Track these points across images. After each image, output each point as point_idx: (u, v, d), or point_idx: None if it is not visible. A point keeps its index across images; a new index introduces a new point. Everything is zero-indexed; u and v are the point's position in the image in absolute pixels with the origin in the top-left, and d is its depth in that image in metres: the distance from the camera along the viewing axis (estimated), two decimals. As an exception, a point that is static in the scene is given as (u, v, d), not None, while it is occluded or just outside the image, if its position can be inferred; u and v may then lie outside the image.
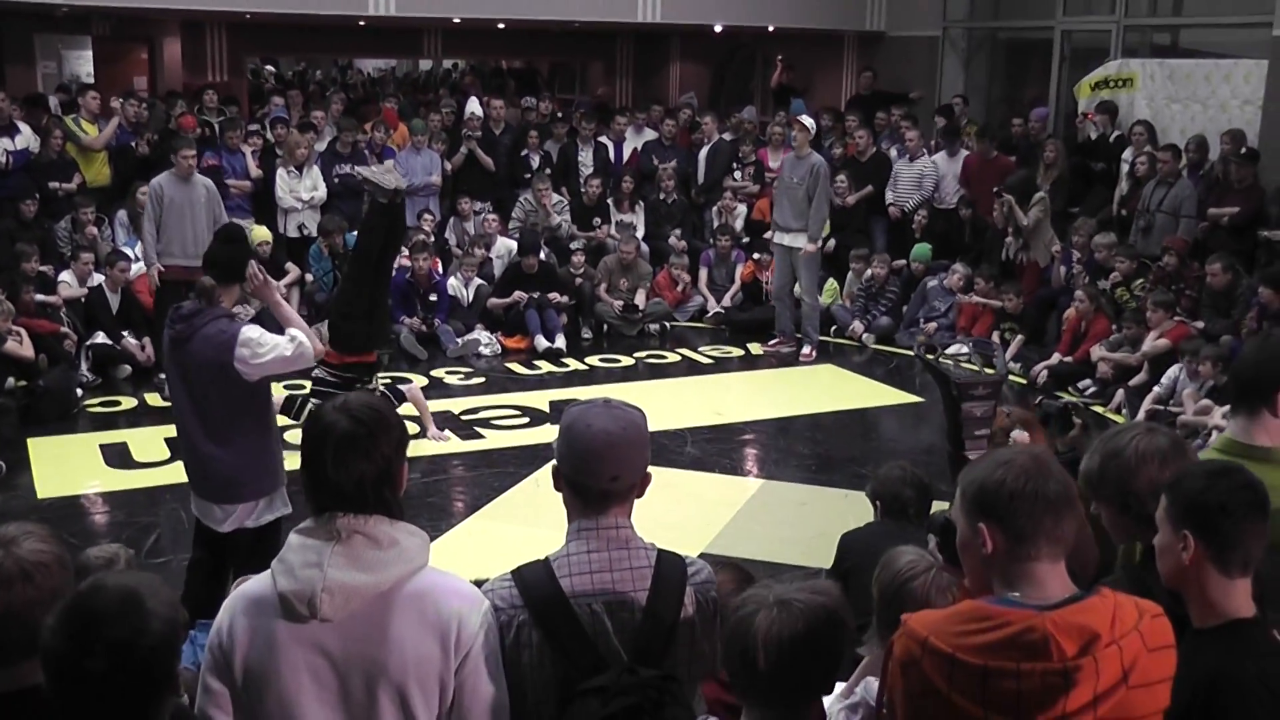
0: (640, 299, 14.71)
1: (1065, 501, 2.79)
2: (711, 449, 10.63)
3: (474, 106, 16.76)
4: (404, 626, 3.01)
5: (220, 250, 6.67)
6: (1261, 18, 13.76)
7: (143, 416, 11.31)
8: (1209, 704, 2.93)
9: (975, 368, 12.60)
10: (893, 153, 15.97)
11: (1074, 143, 15.33)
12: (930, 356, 3.60)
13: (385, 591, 3.00)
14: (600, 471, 3.21)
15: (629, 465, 3.25)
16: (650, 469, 3.32)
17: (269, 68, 28.37)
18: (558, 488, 3.33)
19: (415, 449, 10.35)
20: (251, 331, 6.18)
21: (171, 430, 10.49)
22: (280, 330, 6.30)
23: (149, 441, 10.47)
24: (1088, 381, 12.27)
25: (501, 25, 19.48)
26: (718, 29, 19.42)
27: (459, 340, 13.58)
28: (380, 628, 3.00)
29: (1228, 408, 9.96)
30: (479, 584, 3.28)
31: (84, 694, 2.54)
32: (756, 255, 14.97)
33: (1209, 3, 16.20)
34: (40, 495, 9.23)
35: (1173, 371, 11.32)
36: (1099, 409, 11.79)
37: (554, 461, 3.33)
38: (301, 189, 14.52)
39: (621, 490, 3.26)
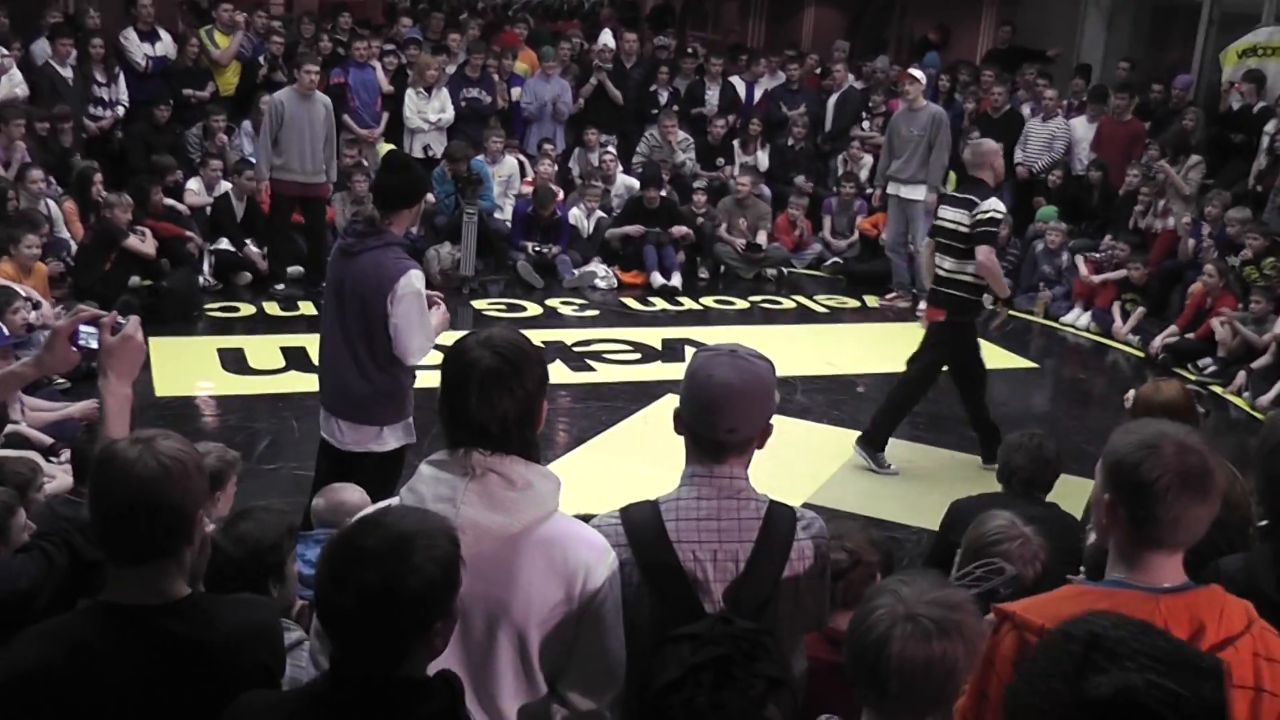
0: (762, 239, 14.61)
1: (1202, 497, 2.69)
2: (821, 399, 10.56)
3: (607, 38, 16.69)
4: (531, 571, 3.00)
5: (385, 179, 6.31)
6: None
7: (260, 324, 11.49)
8: None
9: (1094, 337, 12.46)
10: (1026, 111, 15.66)
11: (1214, 113, 14.94)
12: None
13: (515, 534, 3.00)
14: (717, 423, 3.19)
15: (747, 418, 3.22)
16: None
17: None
18: (678, 431, 3.29)
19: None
20: (418, 283, 5.94)
21: (287, 340, 10.78)
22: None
23: (265, 349, 10.64)
24: (1208, 360, 11.97)
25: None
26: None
27: (575, 271, 13.60)
28: (507, 570, 3.00)
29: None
30: (584, 518, 3.28)
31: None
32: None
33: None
34: (158, 393, 9.38)
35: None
36: (1218, 389, 11.51)
37: (677, 404, 3.30)
38: (429, 110, 14.58)
39: (738, 442, 3.23)
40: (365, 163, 13.68)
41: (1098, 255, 13.65)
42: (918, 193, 13.20)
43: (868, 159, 15.72)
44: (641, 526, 3.21)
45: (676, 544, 3.17)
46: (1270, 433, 3.50)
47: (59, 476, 6.68)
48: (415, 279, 5.92)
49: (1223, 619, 2.68)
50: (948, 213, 8.91)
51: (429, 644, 2.57)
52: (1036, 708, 2.05)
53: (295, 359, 10.41)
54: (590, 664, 3.08)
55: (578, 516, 3.28)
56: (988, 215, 8.61)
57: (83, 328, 3.48)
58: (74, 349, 3.49)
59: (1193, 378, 11.67)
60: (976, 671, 2.80)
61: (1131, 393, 4.67)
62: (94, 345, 3.46)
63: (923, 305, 13.36)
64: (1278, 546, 3.22)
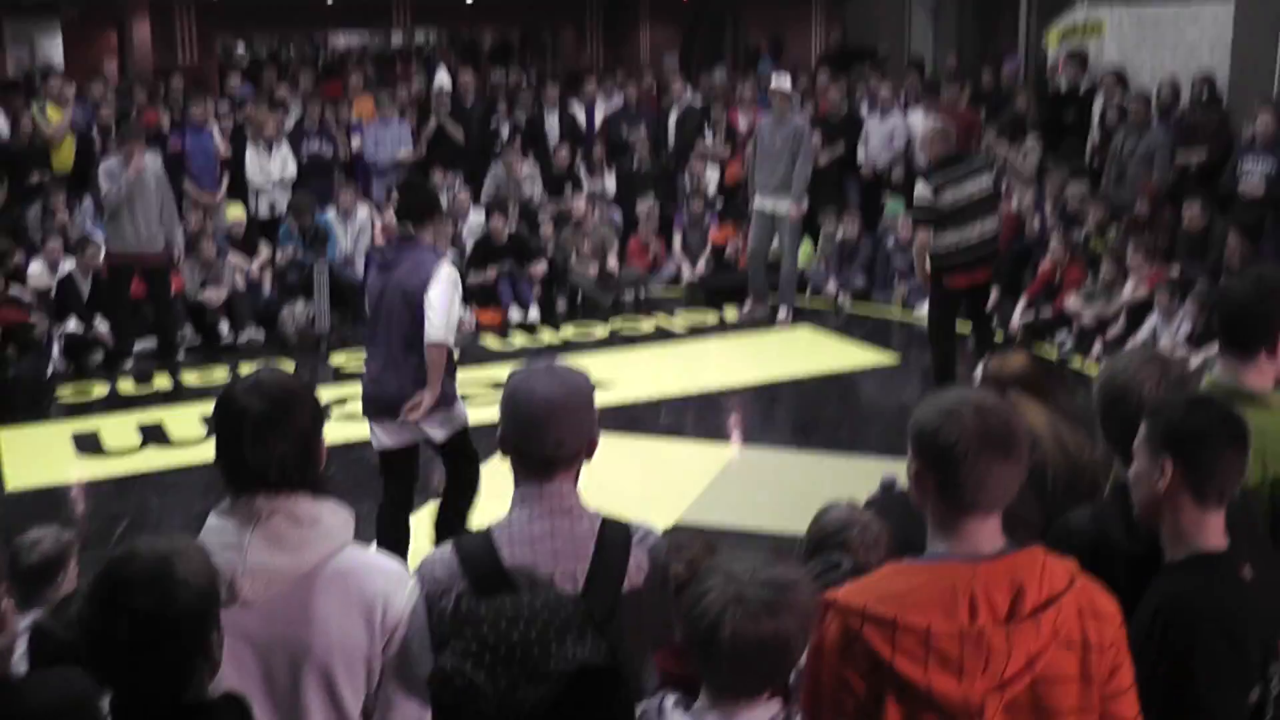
0: (611, 262, 14.62)
1: (1005, 455, 2.70)
2: (688, 416, 10.57)
3: (442, 78, 16.63)
4: (328, 607, 2.96)
5: (406, 197, 7.11)
6: (1228, -40, 13.69)
7: (115, 404, 11.19)
8: (1163, 633, 2.96)
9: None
10: (864, 110, 15.86)
11: (1045, 94, 15.26)
12: None
13: (307, 572, 2.96)
14: (544, 438, 3.16)
15: (573, 431, 3.19)
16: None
17: (240, 47, 28.18)
18: (504, 454, 3.27)
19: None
20: (446, 272, 6.66)
21: (144, 417, 10.57)
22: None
23: (121, 429, 10.40)
24: (1065, 334, 12.22)
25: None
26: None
27: (433, 314, 13.45)
28: (303, 609, 2.96)
29: (1206, 351, 10.10)
30: None
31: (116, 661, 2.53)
32: (737, 222, 14.83)
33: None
34: (9, 487, 9.16)
35: (1151, 320, 11.33)
36: (1079, 361, 11.76)
37: (499, 429, 3.28)
38: (272, 167, 14.39)
39: (566, 456, 3.20)
40: (210, 227, 13.46)
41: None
42: (781, 205, 13.29)
43: (713, 173, 15.82)
44: (475, 554, 3.16)
45: (512, 568, 3.12)
46: (1110, 377, 3.57)
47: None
48: (449, 270, 6.70)
49: (1044, 579, 2.68)
50: (968, 185, 10.05)
51: (209, 657, 2.55)
52: None
53: (153, 435, 10.22)
54: (399, 694, 3.05)
55: None
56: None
57: None
58: None
59: (1054, 354, 11.93)
60: (809, 660, 2.80)
61: (979, 368, 4.73)
62: None
63: (782, 313, 13.49)
64: (1125, 498, 3.28)
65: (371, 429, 7.06)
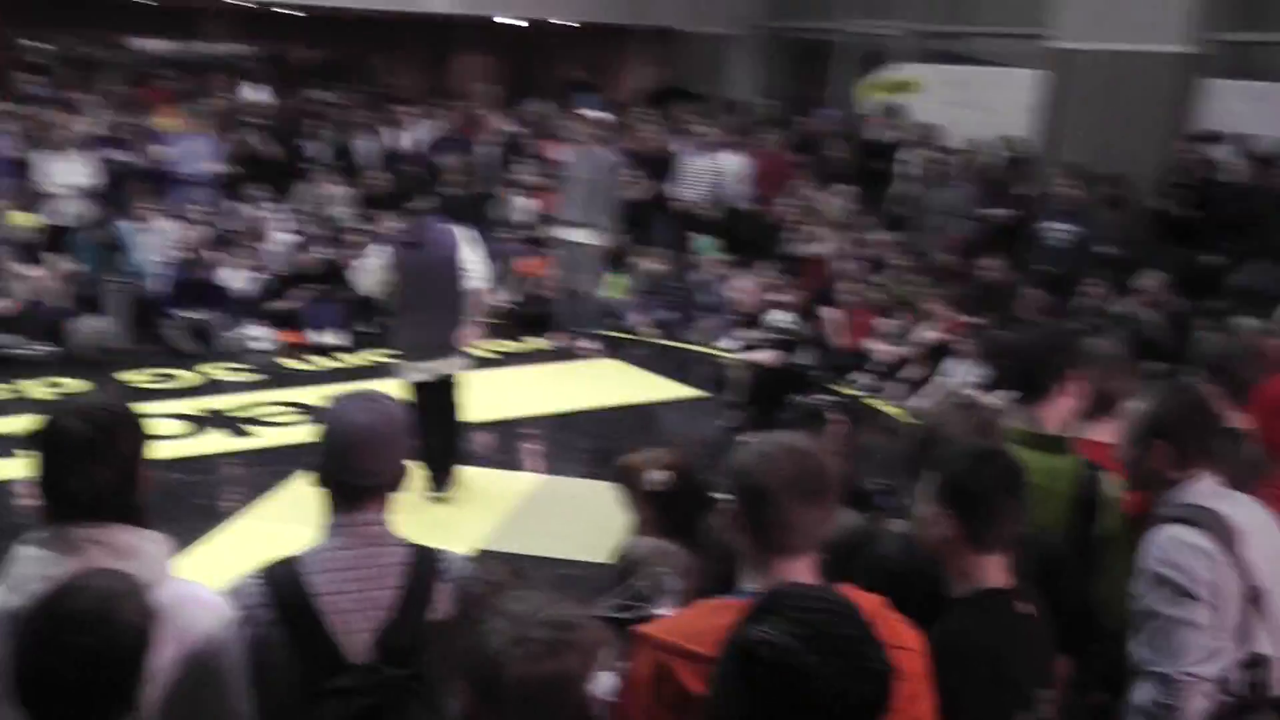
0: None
1: (815, 499, 2.77)
2: (491, 444, 10.51)
3: (252, 93, 16.30)
4: None
5: (403, 185, 9.70)
6: (1036, 30, 14.22)
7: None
8: (936, 669, 2.98)
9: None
10: (679, 147, 15.99)
11: (856, 143, 15.59)
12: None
13: None
14: (359, 467, 3.16)
15: (387, 459, 3.20)
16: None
17: (43, 46, 27.26)
18: (317, 484, 3.25)
19: (184, 449, 9.99)
20: (465, 234, 8.93)
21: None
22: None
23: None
24: (862, 374, 12.46)
25: (302, 14, 19.08)
26: (506, 21, 19.30)
27: (232, 334, 13.13)
28: None
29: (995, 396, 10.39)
30: None
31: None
32: (546, 252, 14.80)
33: (987, 13, 16.62)
34: None
35: (946, 365, 11.62)
36: (874, 402, 11.97)
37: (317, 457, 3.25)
38: (67, 174, 13.84)
39: (381, 485, 3.20)
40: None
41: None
42: (584, 235, 13.28)
43: (521, 201, 15.78)
44: (283, 583, 3.13)
45: (318, 596, 3.10)
46: (921, 421, 3.69)
47: None
48: (465, 232, 8.96)
49: None
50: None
51: (135, 705, 2.50)
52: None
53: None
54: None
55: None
56: None
57: None
58: None
59: (852, 392, 12.15)
60: (620, 692, 2.83)
61: (659, 474, 4.81)
62: None
63: (587, 344, 13.50)
64: None
65: (409, 371, 8.91)
